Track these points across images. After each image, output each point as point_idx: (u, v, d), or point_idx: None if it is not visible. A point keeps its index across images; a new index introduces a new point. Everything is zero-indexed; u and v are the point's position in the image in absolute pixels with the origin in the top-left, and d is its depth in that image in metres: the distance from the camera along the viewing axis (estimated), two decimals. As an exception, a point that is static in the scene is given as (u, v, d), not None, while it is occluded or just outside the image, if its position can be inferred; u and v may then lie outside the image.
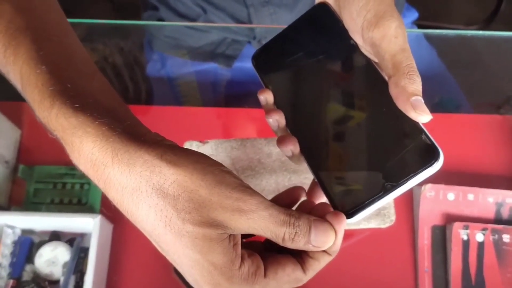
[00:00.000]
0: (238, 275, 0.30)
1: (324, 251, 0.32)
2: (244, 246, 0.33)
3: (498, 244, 0.63)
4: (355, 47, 0.38)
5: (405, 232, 0.67)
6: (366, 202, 0.32)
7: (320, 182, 0.35)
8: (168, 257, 0.31)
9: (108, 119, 0.30)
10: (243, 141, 0.69)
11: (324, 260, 0.32)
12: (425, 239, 0.65)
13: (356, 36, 0.37)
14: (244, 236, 0.33)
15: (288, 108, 0.38)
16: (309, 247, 0.31)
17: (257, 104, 0.80)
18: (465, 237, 0.63)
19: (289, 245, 0.31)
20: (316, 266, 0.32)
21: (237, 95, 0.86)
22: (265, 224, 0.30)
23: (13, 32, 0.34)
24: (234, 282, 0.30)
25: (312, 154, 0.36)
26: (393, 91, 0.33)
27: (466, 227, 0.63)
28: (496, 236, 0.63)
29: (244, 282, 0.30)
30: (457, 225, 0.63)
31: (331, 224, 0.31)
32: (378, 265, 0.65)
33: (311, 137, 0.36)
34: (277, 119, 0.37)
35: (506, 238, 0.63)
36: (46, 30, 0.35)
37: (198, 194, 0.29)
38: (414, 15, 0.89)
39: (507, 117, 0.75)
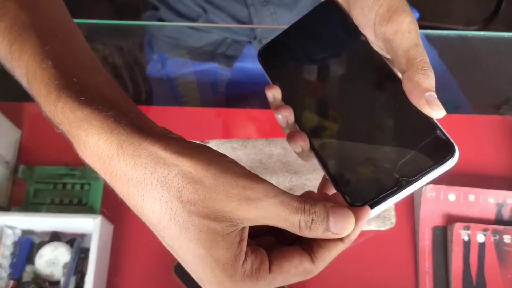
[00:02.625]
0: (240, 272, 0.29)
1: (338, 239, 0.31)
2: (255, 242, 0.32)
3: (499, 245, 0.63)
4: (365, 43, 0.37)
5: (406, 232, 0.67)
6: (379, 198, 0.31)
7: (331, 178, 0.34)
8: (173, 253, 0.31)
9: (114, 112, 0.30)
10: (244, 142, 0.69)
11: (336, 250, 0.31)
12: (426, 240, 0.65)
13: (368, 32, 0.37)
14: (258, 231, 0.33)
15: (297, 104, 0.38)
16: (328, 235, 0.30)
17: (257, 104, 0.81)
18: (466, 238, 0.63)
19: (307, 233, 0.30)
20: (326, 256, 0.31)
21: (238, 96, 0.86)
22: (276, 212, 0.29)
23: (18, 28, 0.34)
24: (237, 279, 0.29)
25: (322, 150, 0.35)
26: (407, 86, 0.33)
27: (467, 228, 0.63)
28: (497, 237, 0.63)
29: (247, 279, 0.29)
30: (458, 226, 0.63)
31: (349, 209, 0.30)
32: (379, 266, 0.65)
33: (321, 133, 0.36)
34: (286, 115, 0.37)
35: (507, 239, 0.63)
36: (51, 26, 0.35)
37: (203, 185, 0.28)
38: (415, 15, 0.89)
39: (507, 118, 0.75)
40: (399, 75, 0.35)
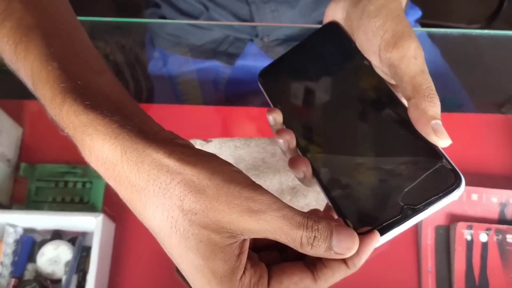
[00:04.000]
0: (238, 286, 0.28)
1: (342, 261, 0.30)
2: (258, 256, 0.32)
3: (502, 245, 0.63)
4: (369, 68, 0.37)
5: (409, 232, 0.67)
6: (382, 227, 0.31)
7: (334, 205, 0.33)
8: (173, 261, 0.30)
9: (119, 116, 0.30)
10: (246, 140, 0.68)
11: (340, 272, 0.30)
12: (428, 239, 0.65)
13: (372, 57, 0.36)
14: (263, 245, 0.32)
15: (299, 128, 0.37)
16: (330, 254, 0.29)
17: (258, 102, 0.80)
18: (469, 237, 0.63)
19: (308, 251, 0.29)
20: (329, 277, 0.30)
21: (239, 94, 0.86)
22: (278, 226, 0.28)
23: (23, 29, 0.34)
24: None
25: (325, 176, 0.34)
26: (412, 113, 0.33)
27: (470, 227, 0.63)
28: (500, 237, 0.63)
29: None
30: (460, 225, 0.63)
31: (354, 230, 0.30)
32: (381, 265, 0.65)
33: (324, 159, 0.35)
34: (288, 139, 0.36)
35: (510, 238, 0.63)
36: (56, 26, 0.35)
37: (205, 195, 0.28)
38: (417, 13, 0.89)
39: (509, 116, 0.75)
40: (404, 101, 0.34)
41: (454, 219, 0.65)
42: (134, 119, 0.30)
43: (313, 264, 0.31)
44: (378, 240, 0.30)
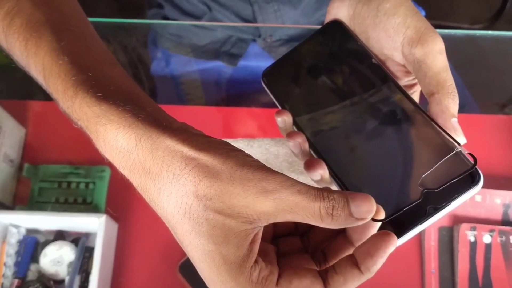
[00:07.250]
0: (247, 275, 0.28)
1: (354, 265, 0.30)
2: (279, 243, 0.32)
3: (506, 246, 0.62)
4: (376, 65, 0.37)
5: (412, 233, 0.66)
6: (407, 227, 0.30)
7: None
8: (184, 248, 0.30)
9: (131, 106, 0.30)
10: (249, 141, 0.68)
11: (353, 278, 0.29)
12: (432, 241, 0.64)
13: (394, 53, 0.37)
14: (283, 229, 0.32)
15: (310, 129, 0.36)
16: (352, 221, 0.28)
17: (261, 103, 0.80)
18: (472, 239, 0.63)
19: (330, 222, 0.28)
20: (340, 284, 0.29)
21: (242, 94, 0.86)
22: (295, 201, 0.27)
23: (33, 25, 0.34)
24: (241, 282, 0.28)
25: (343, 175, 0.34)
26: (434, 108, 0.34)
27: (474, 229, 0.63)
28: (504, 238, 0.63)
29: (251, 285, 0.28)
30: (464, 227, 0.63)
31: (367, 194, 0.29)
32: (385, 266, 0.65)
33: (339, 158, 0.35)
34: (299, 142, 0.36)
35: (513, 240, 0.63)
36: (66, 21, 0.35)
37: (219, 179, 0.28)
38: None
39: (512, 117, 0.75)
40: (415, 97, 0.36)
41: (458, 220, 0.65)
42: (147, 109, 0.31)
43: (325, 272, 0.30)
44: (395, 242, 0.30)
